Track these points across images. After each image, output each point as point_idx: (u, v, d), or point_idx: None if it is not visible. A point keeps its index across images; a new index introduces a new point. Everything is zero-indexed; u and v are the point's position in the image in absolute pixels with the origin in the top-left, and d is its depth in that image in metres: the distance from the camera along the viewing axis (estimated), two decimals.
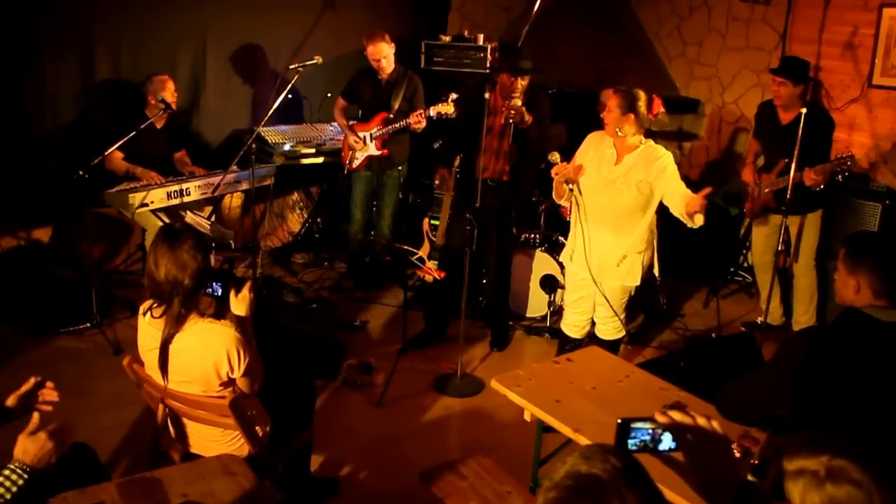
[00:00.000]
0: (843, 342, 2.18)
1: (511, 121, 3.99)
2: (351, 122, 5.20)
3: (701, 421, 1.54)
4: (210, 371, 2.42)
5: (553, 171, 3.67)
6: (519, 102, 3.94)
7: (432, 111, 4.79)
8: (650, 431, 1.56)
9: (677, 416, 1.55)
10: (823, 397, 2.13)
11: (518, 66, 4.00)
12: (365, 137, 5.08)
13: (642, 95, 3.56)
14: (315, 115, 5.97)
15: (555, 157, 3.71)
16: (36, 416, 1.95)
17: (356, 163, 5.17)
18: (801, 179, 4.18)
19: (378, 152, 5.09)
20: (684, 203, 3.43)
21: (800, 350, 2.21)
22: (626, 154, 3.61)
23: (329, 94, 5.72)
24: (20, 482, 1.84)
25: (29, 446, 1.88)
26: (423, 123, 4.88)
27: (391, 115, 5.03)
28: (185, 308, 2.40)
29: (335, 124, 5.59)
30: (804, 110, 3.99)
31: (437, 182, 5.09)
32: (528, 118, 4.02)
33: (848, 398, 2.11)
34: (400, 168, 5.26)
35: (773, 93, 4.46)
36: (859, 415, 2.08)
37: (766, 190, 4.53)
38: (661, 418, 1.56)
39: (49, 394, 2.14)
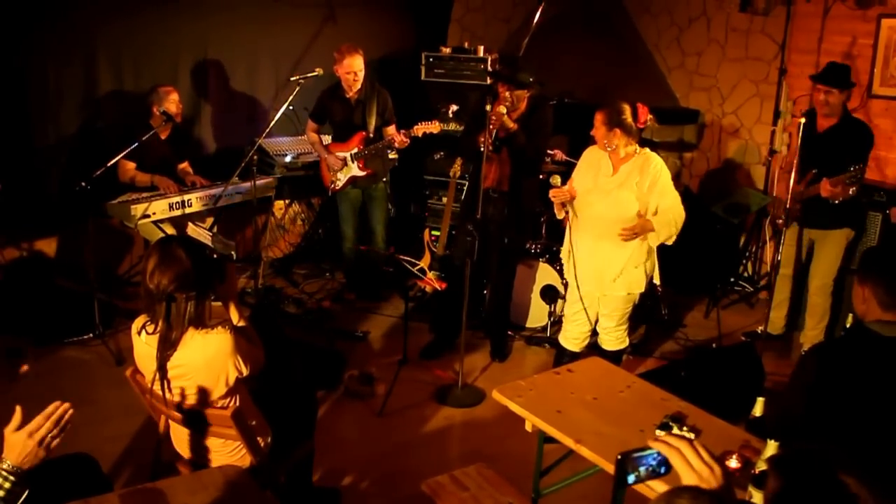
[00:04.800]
0: (846, 358, 2.18)
1: (492, 127, 4.00)
2: (326, 143, 5.16)
3: (686, 451, 1.47)
4: (216, 382, 2.42)
5: (551, 194, 3.75)
6: (503, 110, 3.96)
7: (418, 131, 4.78)
8: (656, 456, 1.48)
9: (661, 446, 1.48)
10: (831, 413, 2.13)
11: (512, 78, 4.05)
12: (346, 158, 5.04)
13: (626, 108, 3.59)
14: None
15: (556, 179, 3.76)
16: (18, 410, 1.84)
17: (339, 184, 5.12)
18: (819, 191, 4.06)
19: (362, 172, 5.04)
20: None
21: (810, 369, 2.22)
22: (621, 165, 3.66)
23: None
24: (6, 485, 1.78)
25: (14, 443, 1.80)
26: (408, 142, 4.87)
27: (370, 135, 4.98)
28: (176, 326, 2.35)
29: None
30: (803, 120, 3.99)
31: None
32: (510, 125, 4.05)
33: (851, 414, 2.11)
34: (385, 180, 5.25)
35: (820, 102, 4.23)
36: (862, 430, 2.08)
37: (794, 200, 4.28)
38: (655, 445, 1.49)
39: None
